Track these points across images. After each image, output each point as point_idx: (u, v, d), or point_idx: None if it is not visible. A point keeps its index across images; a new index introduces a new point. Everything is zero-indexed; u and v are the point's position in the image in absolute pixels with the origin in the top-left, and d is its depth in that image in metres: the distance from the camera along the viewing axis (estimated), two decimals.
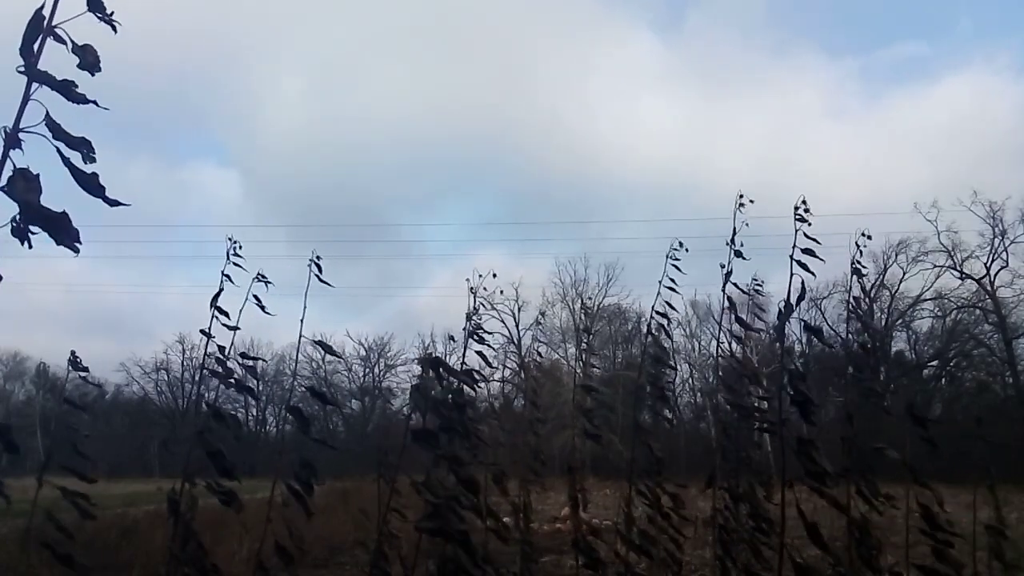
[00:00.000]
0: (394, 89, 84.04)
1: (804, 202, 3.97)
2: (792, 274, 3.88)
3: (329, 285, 4.02)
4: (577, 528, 4.89)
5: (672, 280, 4.76)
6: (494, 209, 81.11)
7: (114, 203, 1.97)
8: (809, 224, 3.94)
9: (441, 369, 3.53)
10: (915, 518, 3.76)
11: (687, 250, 4.72)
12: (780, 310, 3.94)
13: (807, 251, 3.90)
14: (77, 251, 1.85)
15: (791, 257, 3.89)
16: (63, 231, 1.83)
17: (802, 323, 4.33)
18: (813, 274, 3.89)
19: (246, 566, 7.50)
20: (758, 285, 5.14)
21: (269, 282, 3.88)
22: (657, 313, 4.82)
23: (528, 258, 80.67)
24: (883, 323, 40.74)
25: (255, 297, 3.87)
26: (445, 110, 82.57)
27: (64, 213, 1.84)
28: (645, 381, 4.87)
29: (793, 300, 3.86)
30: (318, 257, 4.04)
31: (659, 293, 4.77)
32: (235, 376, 3.93)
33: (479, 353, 3.87)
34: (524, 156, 78.30)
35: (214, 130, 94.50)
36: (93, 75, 1.92)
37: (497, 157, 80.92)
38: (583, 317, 33.78)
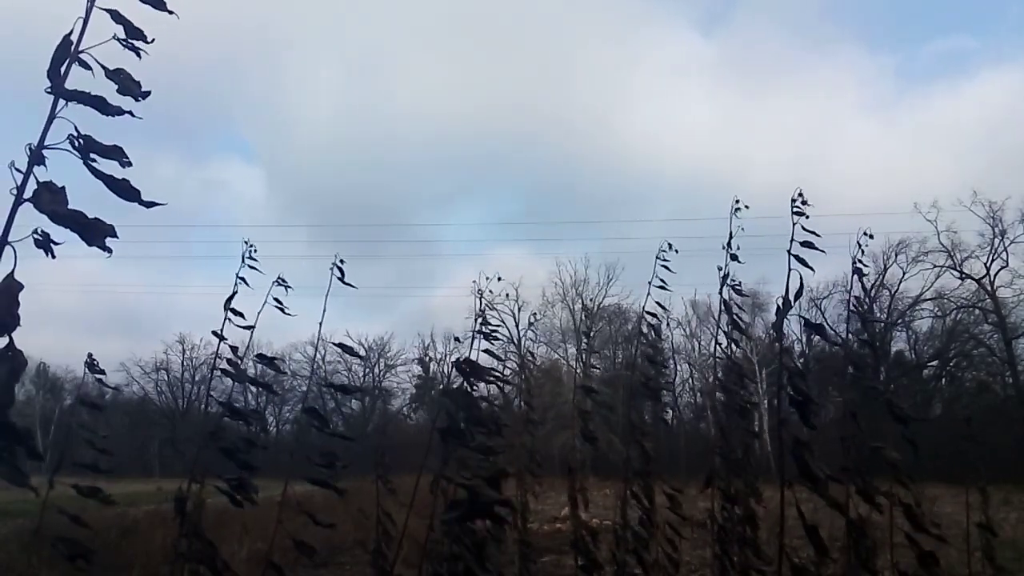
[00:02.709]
0: (427, 85, 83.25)
1: (801, 194, 3.91)
2: (790, 270, 3.81)
3: (352, 287, 4.01)
4: (576, 529, 4.90)
5: (662, 280, 4.80)
6: (522, 208, 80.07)
7: (150, 204, 2.04)
8: (807, 218, 3.88)
9: (470, 372, 3.51)
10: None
11: (676, 251, 4.78)
12: (778, 307, 3.91)
13: (806, 244, 3.83)
14: (110, 252, 1.92)
15: (789, 252, 3.83)
16: (94, 233, 1.90)
17: (803, 321, 4.29)
18: (812, 269, 3.80)
19: (247, 566, 7.51)
20: (737, 286, 5.15)
21: (289, 286, 3.87)
22: (647, 313, 4.85)
23: (551, 257, 79.81)
24: (883, 324, 40.72)
25: (276, 300, 3.86)
26: (478, 107, 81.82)
27: (96, 219, 1.90)
28: (638, 380, 4.88)
29: (791, 297, 3.83)
30: (341, 260, 4.02)
31: (649, 293, 4.81)
32: (247, 375, 3.93)
33: (488, 351, 3.86)
34: (557, 154, 77.25)
35: (239, 126, 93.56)
36: (138, 100, 2.01)
37: (529, 155, 79.75)
38: (583, 319, 33.76)
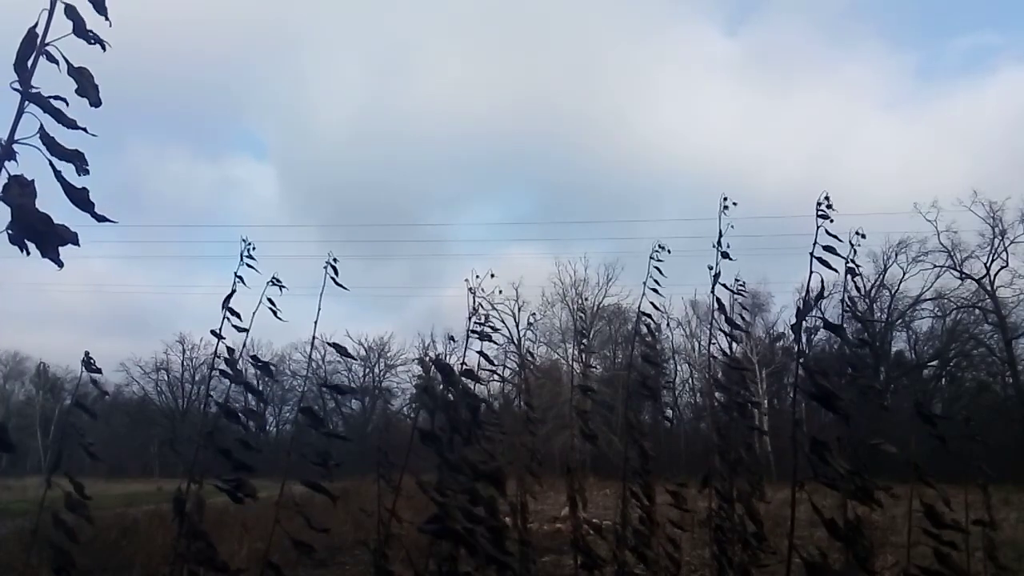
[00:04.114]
0: (448, 83, 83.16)
1: (827, 198, 3.93)
2: (811, 272, 3.83)
3: (344, 288, 3.96)
4: (575, 528, 4.90)
5: (656, 282, 4.79)
6: (538, 207, 79.50)
7: (101, 219, 1.97)
8: (831, 221, 3.90)
9: (446, 372, 3.52)
10: (917, 517, 3.76)
11: (669, 251, 4.79)
12: (798, 308, 3.92)
13: (828, 248, 3.85)
14: (60, 264, 1.85)
15: (811, 255, 3.85)
16: (51, 241, 1.84)
17: (823, 321, 4.31)
18: (835, 271, 3.86)
19: (247, 565, 7.51)
20: (741, 286, 5.16)
21: (283, 286, 3.85)
22: (642, 314, 4.86)
23: (565, 255, 78.95)
24: (883, 323, 40.75)
25: (269, 300, 3.84)
26: (498, 105, 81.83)
27: (61, 225, 1.84)
28: (636, 380, 4.88)
29: (812, 300, 3.83)
30: (334, 259, 4.00)
31: (644, 294, 4.82)
32: (245, 378, 3.91)
33: (481, 353, 3.85)
34: (576, 153, 77.05)
35: (253, 123, 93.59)
36: (94, 105, 1.94)
37: (548, 154, 79.78)
38: (580, 318, 33.79)
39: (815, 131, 75.40)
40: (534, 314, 40.33)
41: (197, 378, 54.43)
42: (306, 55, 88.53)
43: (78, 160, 1.93)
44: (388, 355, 58.22)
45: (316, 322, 3.95)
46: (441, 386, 3.54)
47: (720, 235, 4.61)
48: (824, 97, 76.88)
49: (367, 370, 58.65)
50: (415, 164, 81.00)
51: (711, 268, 4.70)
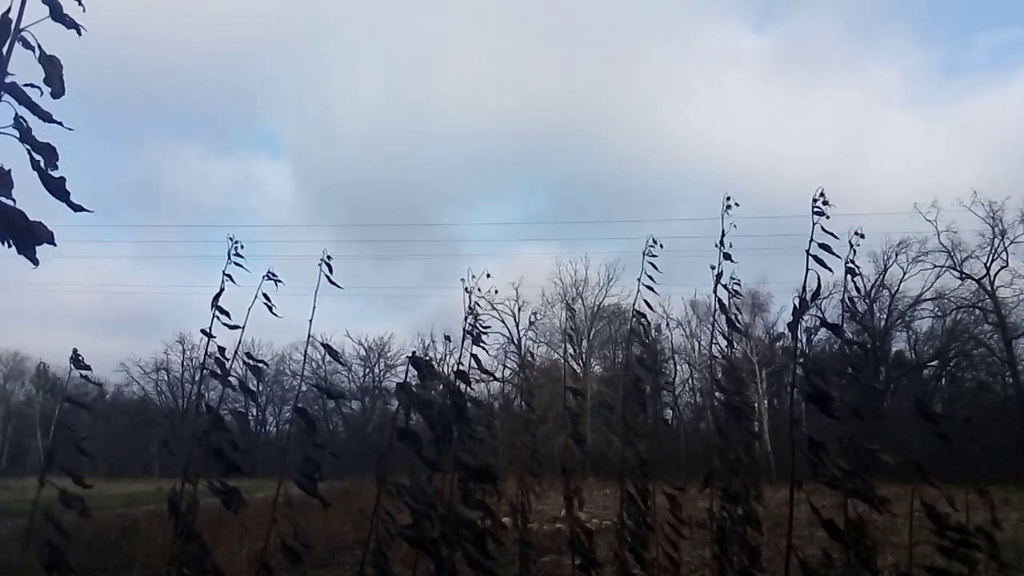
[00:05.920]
0: (471, 81, 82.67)
1: (823, 195, 3.88)
2: (808, 270, 3.79)
3: (339, 287, 3.94)
4: (572, 528, 4.89)
5: (651, 278, 4.74)
6: (557, 206, 78.93)
7: (78, 208, 1.95)
8: (827, 218, 3.84)
9: (426, 369, 3.52)
10: (918, 517, 3.74)
11: (661, 246, 4.73)
12: (795, 306, 3.88)
13: (823, 246, 3.80)
14: (36, 263, 1.83)
15: (807, 252, 3.80)
16: (28, 239, 1.81)
17: (820, 319, 4.26)
18: (830, 270, 3.81)
19: (247, 565, 7.50)
20: (737, 284, 5.13)
21: (279, 280, 3.84)
22: (638, 313, 4.83)
23: (581, 255, 78.07)
24: (883, 323, 40.74)
25: (264, 296, 3.83)
26: (521, 103, 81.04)
27: (38, 222, 1.82)
28: (631, 381, 4.86)
29: (808, 298, 3.80)
30: (328, 256, 3.99)
31: (639, 291, 4.77)
32: (235, 377, 3.91)
33: (473, 356, 3.85)
34: (599, 151, 76.34)
35: (269, 121, 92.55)
36: (56, 96, 1.90)
37: (569, 152, 79.09)
38: (572, 319, 33.68)
39: (836, 129, 75.17)
40: (535, 313, 40.23)
41: (197, 378, 54.29)
42: (325, 52, 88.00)
43: (48, 154, 1.89)
44: (388, 355, 58.23)
45: (311, 320, 3.93)
46: (426, 384, 3.53)
47: (723, 234, 4.57)
48: (847, 95, 76.25)
49: (367, 370, 58.66)
50: (432, 162, 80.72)
51: (713, 268, 4.67)
